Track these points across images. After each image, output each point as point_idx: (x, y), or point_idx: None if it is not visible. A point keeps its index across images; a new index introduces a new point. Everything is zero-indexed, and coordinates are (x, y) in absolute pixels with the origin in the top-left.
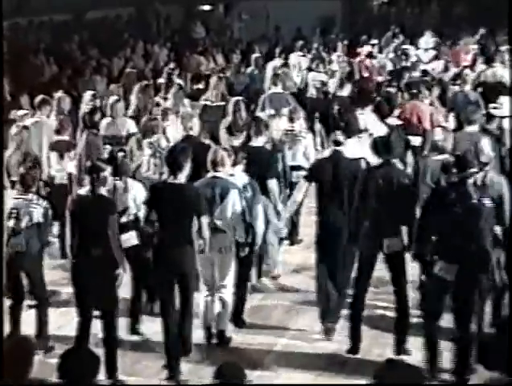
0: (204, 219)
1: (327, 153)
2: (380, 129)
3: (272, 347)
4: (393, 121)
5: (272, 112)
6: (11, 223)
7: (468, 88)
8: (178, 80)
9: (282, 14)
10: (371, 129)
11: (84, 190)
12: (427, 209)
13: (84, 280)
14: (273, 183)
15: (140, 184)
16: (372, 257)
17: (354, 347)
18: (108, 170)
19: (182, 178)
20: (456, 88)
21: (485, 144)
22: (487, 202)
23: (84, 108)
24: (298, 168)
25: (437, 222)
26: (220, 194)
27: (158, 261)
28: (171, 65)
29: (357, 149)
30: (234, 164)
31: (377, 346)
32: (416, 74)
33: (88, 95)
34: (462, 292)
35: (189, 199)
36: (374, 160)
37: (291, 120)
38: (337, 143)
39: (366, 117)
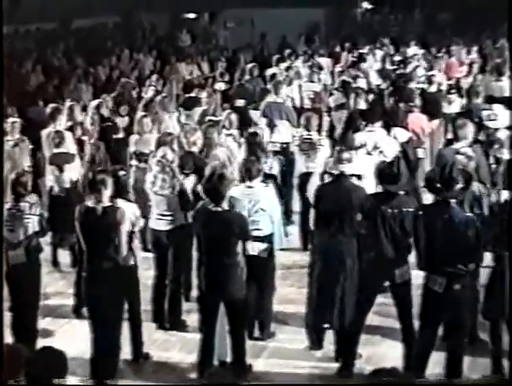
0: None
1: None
2: (391, 146)
3: None
4: (401, 135)
5: (265, 122)
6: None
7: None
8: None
9: (267, 22)
10: (382, 147)
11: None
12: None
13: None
14: None
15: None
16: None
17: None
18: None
19: (224, 204)
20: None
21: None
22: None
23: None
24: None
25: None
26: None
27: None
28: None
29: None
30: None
31: None
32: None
33: (93, 104)
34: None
35: (235, 226)
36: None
37: (307, 128)
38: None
39: (377, 134)
